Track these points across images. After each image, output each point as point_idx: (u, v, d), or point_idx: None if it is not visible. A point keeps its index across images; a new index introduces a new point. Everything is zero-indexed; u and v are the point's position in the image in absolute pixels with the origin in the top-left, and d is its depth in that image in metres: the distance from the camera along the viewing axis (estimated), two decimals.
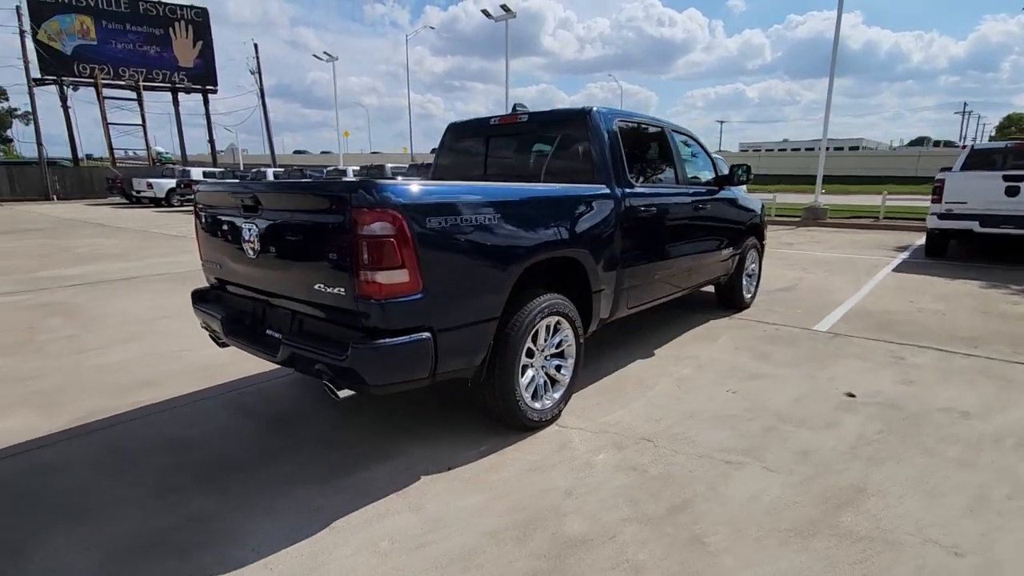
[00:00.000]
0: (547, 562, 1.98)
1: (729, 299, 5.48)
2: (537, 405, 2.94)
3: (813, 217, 14.29)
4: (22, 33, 28.78)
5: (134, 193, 24.47)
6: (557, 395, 3.09)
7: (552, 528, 2.17)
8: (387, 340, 2.21)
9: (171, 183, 23.71)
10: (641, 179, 3.82)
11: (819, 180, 14.71)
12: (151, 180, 24.11)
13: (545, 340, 2.99)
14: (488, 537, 2.12)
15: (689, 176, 4.67)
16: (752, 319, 5.22)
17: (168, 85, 34.83)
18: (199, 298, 3.17)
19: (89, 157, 38.36)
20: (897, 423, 3.05)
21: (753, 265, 5.73)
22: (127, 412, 3.26)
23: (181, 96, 35.77)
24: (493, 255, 2.54)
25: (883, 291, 6.42)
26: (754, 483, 2.48)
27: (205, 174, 25.96)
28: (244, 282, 2.84)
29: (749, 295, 5.68)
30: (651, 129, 4.15)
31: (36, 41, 31.16)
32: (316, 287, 2.34)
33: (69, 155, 34.94)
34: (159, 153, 37.40)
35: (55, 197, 28.70)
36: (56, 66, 31.45)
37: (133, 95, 33.68)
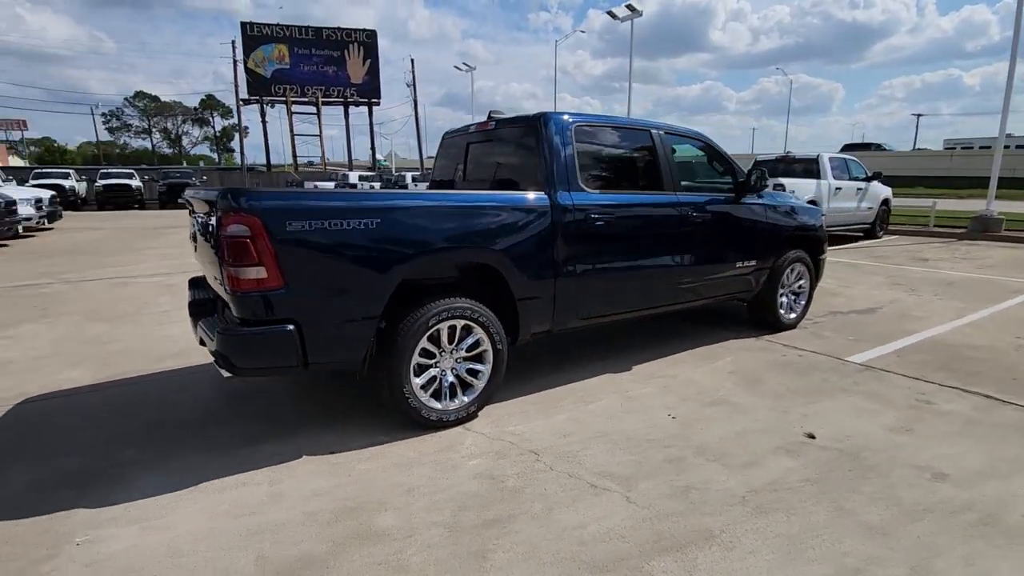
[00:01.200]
0: (329, 546, 2.11)
1: (760, 318, 4.93)
2: (437, 405, 3.03)
3: (982, 228, 11.88)
4: (235, 63, 34.91)
5: None
6: (468, 398, 3.14)
7: (365, 518, 2.28)
8: (247, 328, 2.50)
9: (331, 185, 27.04)
10: (603, 186, 3.66)
11: (992, 184, 12.15)
12: (316, 183, 27.76)
13: (452, 343, 3.07)
14: (306, 516, 2.30)
15: (692, 182, 4.33)
16: (782, 342, 4.64)
17: (341, 100, 39.63)
18: (192, 284, 3.77)
19: (310, 164, 44.47)
20: (837, 474, 2.60)
21: (801, 282, 5.07)
22: (146, 375, 3.99)
23: (350, 109, 40.45)
24: (366, 258, 2.70)
25: (993, 322, 5.25)
26: (599, 511, 2.32)
27: (361, 177, 29.29)
28: (201, 271, 3.35)
29: (793, 315, 5.04)
30: (629, 134, 3.94)
31: (246, 69, 37.49)
32: (214, 279, 2.72)
33: (267, 162, 41.47)
34: (378, 162, 42.46)
35: None
36: (259, 88, 37.55)
37: (313, 109, 38.92)
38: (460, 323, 3.04)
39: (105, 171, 28.80)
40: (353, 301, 2.70)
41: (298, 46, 38.79)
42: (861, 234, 12.33)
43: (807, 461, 2.72)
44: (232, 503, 2.41)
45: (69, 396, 3.63)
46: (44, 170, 28.36)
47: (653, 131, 3.97)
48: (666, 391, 3.62)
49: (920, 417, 3.20)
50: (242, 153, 35.71)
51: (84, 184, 27.46)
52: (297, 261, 2.54)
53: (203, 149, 79.23)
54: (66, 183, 24.70)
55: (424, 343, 2.94)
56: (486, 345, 3.16)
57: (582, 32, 79.16)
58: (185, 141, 78.13)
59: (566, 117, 3.53)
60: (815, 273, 5.19)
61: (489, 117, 3.98)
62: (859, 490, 2.46)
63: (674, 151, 4.66)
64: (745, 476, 2.59)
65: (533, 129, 3.48)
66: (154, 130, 76.62)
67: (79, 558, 2.07)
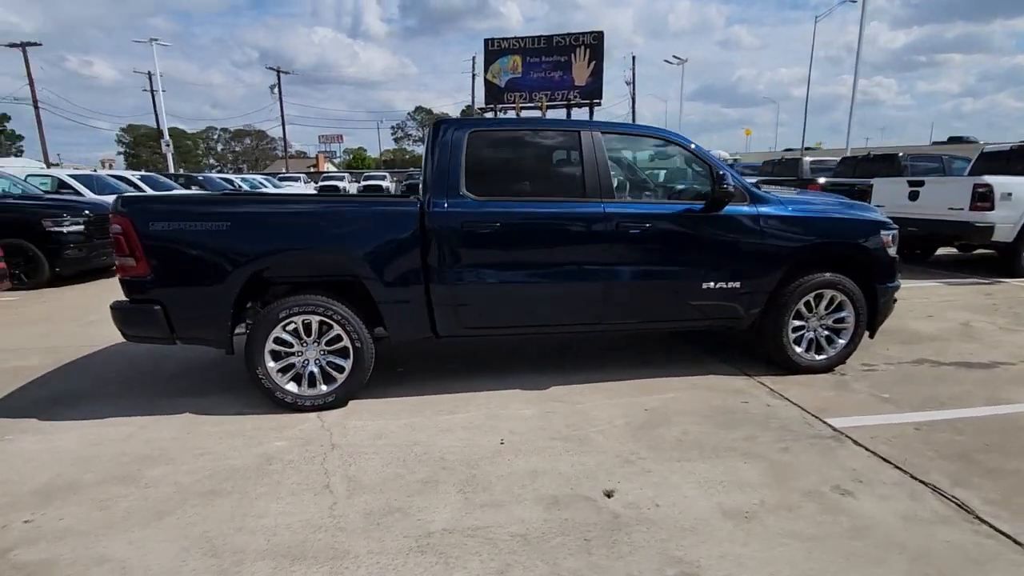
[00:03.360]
0: (96, 479, 2.66)
1: (766, 354, 4.00)
2: (294, 389, 3.38)
3: None
4: (473, 76, 39.37)
5: None
6: (326, 388, 3.42)
7: (145, 467, 2.78)
8: (124, 304, 3.23)
9: None
10: (498, 193, 3.50)
11: None
12: None
13: (311, 336, 3.37)
14: (117, 455, 2.90)
15: (641, 189, 3.82)
16: (772, 386, 3.72)
17: (564, 103, 41.37)
18: None
19: None
20: (566, 539, 2.18)
21: (842, 314, 3.93)
22: None
23: (574, 110, 41.97)
24: (217, 255, 3.17)
25: None
26: (296, 509, 2.42)
27: None
28: None
29: (821, 356, 3.96)
30: (549, 139, 3.65)
31: (485, 81, 41.92)
32: None
33: None
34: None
35: None
36: (492, 97, 41.63)
37: (539, 114, 41.46)
38: (315, 319, 3.33)
39: (369, 174, 35.51)
40: (207, 290, 3.23)
41: (530, 55, 41.77)
42: None
43: (558, 517, 2.32)
44: (103, 435, 3.15)
45: (139, 346, 4.95)
46: (330, 173, 36.34)
47: (584, 134, 3.58)
48: (541, 416, 3.32)
49: (798, 507, 2.38)
50: None
51: (355, 185, 34.33)
52: (160, 254, 3.16)
53: None
54: (340, 184, 31.28)
55: (279, 332, 3.31)
56: (345, 341, 3.38)
57: (852, 0, 66.75)
58: None
59: (461, 124, 3.50)
60: (872, 305, 3.96)
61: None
62: (558, 563, 2.05)
63: (656, 156, 4.13)
64: (469, 514, 2.35)
65: (430, 136, 3.54)
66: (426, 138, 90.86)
67: None
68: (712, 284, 3.71)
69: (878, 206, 9.13)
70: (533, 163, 3.73)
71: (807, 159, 12.94)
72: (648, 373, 3.99)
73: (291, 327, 3.33)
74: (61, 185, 11.04)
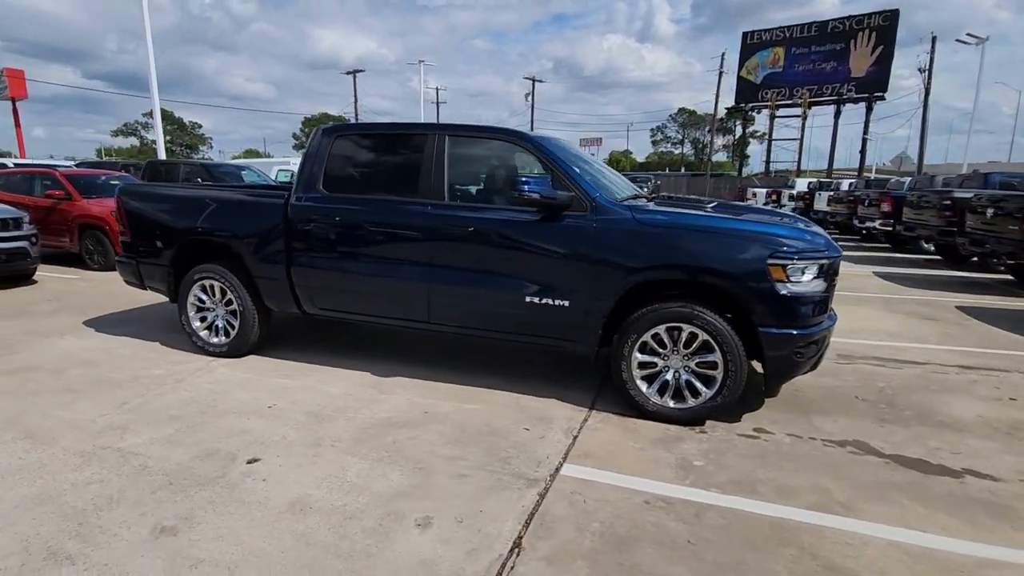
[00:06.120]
0: (49, 365, 4.03)
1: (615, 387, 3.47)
2: (203, 336, 4.36)
3: None
4: (720, 74, 36.75)
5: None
6: (223, 340, 4.32)
7: (78, 367, 4.06)
8: (120, 258, 4.63)
9: (763, 192, 25.67)
10: (350, 190, 3.85)
11: None
12: (755, 189, 26.89)
13: (217, 297, 4.30)
14: (78, 359, 4.27)
15: (490, 193, 3.75)
16: (591, 423, 3.27)
17: (834, 98, 35.52)
18: None
19: (776, 172, 43.15)
20: (147, 474, 2.59)
21: (710, 358, 3.18)
22: None
23: (850, 106, 35.77)
24: (161, 228, 4.32)
25: None
26: (83, 409, 3.33)
27: (809, 184, 26.52)
28: None
29: (676, 405, 3.27)
30: (406, 141, 3.85)
31: (739, 77, 38.77)
32: None
33: (739, 169, 41.91)
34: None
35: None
36: (744, 96, 38.26)
37: (798, 112, 36.52)
38: (217, 284, 4.24)
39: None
40: (157, 253, 4.41)
41: (795, 46, 36.97)
42: None
43: (190, 464, 2.73)
44: (96, 346, 4.60)
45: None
46: None
47: (429, 136, 3.67)
48: (336, 397, 3.62)
49: (359, 519, 2.30)
50: (709, 159, 37.54)
51: None
52: (135, 225, 4.46)
53: (722, 156, 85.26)
54: None
55: (197, 292, 4.32)
56: (235, 305, 4.22)
57: None
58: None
59: (333, 128, 3.97)
60: (758, 354, 3.10)
61: None
62: (124, 490, 2.50)
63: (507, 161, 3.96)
64: (153, 444, 2.94)
65: None
66: (686, 141, 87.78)
67: (39, 342, 4.72)
68: (537, 299, 3.42)
69: None
70: (385, 164, 3.97)
71: None
72: (501, 385, 3.84)
73: (205, 288, 4.31)
74: None
